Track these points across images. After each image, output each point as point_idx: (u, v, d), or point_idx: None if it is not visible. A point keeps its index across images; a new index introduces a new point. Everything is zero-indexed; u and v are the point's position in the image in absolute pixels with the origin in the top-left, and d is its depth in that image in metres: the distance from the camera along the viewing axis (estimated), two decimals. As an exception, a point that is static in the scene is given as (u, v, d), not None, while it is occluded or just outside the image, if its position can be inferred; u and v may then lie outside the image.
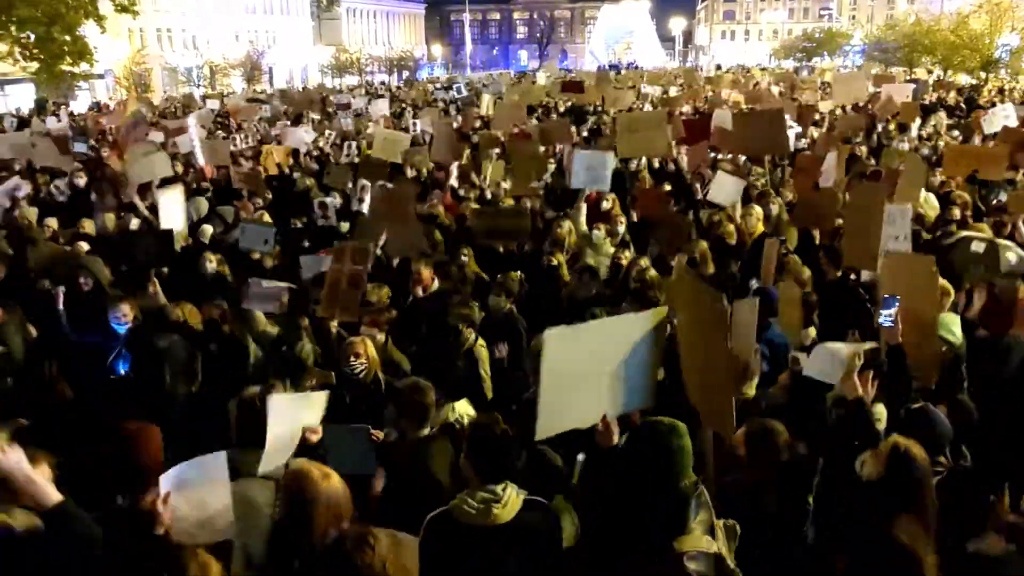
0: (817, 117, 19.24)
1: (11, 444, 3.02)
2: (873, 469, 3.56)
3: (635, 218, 9.64)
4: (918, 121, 17.82)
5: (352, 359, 5.51)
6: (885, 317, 4.47)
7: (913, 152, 10.36)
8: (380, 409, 5.25)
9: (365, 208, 10.05)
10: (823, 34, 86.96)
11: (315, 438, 4.20)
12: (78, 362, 6.68)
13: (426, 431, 4.61)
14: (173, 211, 9.30)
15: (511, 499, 3.51)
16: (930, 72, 51.08)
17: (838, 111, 21.24)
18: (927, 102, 24.49)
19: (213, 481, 3.47)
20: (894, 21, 70.61)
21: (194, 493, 3.42)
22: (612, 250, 8.46)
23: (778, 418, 4.09)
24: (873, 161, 13.07)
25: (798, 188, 10.76)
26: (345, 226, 9.85)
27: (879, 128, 17.35)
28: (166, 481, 3.37)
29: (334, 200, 10.72)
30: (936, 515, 3.44)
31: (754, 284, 7.04)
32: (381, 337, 6.18)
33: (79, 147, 17.38)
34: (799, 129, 16.04)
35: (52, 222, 10.20)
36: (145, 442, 3.63)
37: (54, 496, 3.00)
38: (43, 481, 3.01)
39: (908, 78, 36.15)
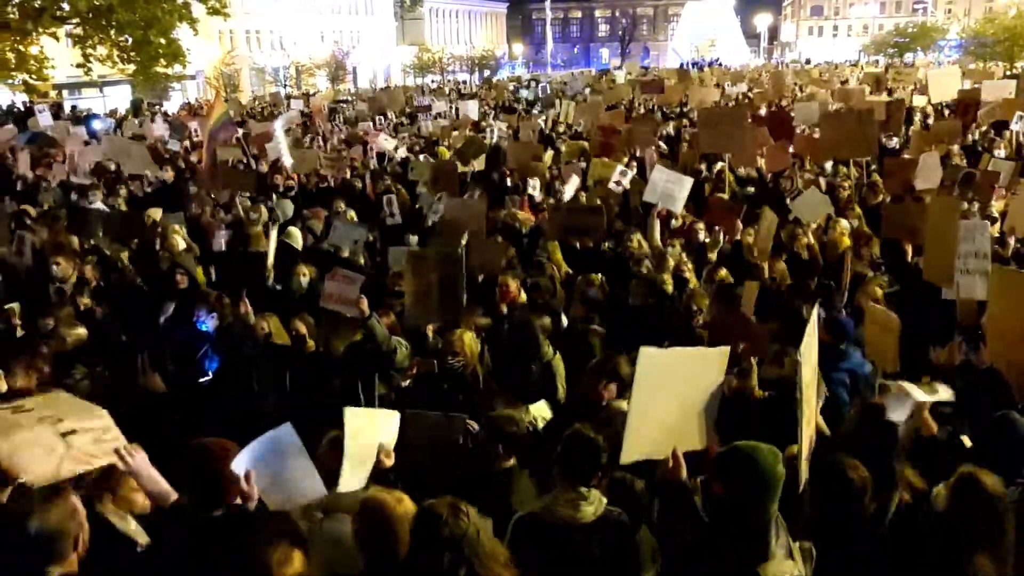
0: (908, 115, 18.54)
1: (136, 448, 3.24)
2: (945, 502, 3.46)
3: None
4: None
5: (450, 358, 5.68)
6: (969, 347, 4.34)
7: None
8: (477, 401, 5.37)
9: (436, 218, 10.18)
10: (916, 28, 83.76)
11: (389, 462, 4.13)
12: (168, 357, 6.93)
13: (512, 462, 4.57)
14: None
15: (597, 500, 3.66)
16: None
17: (930, 109, 20.44)
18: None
19: (287, 450, 3.59)
20: (993, 14, 67.55)
21: (272, 466, 3.54)
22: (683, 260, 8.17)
23: (848, 448, 3.98)
24: (965, 163, 12.54)
25: (889, 193, 10.41)
26: (414, 239, 9.83)
27: (977, 133, 16.56)
28: (241, 462, 3.47)
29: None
30: (1015, 545, 3.30)
31: (821, 313, 6.73)
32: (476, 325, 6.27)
33: (173, 144, 18.12)
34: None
35: (155, 212, 10.65)
36: (226, 457, 3.61)
37: (172, 495, 3.21)
38: (163, 481, 3.22)
39: (1007, 73, 34.59)
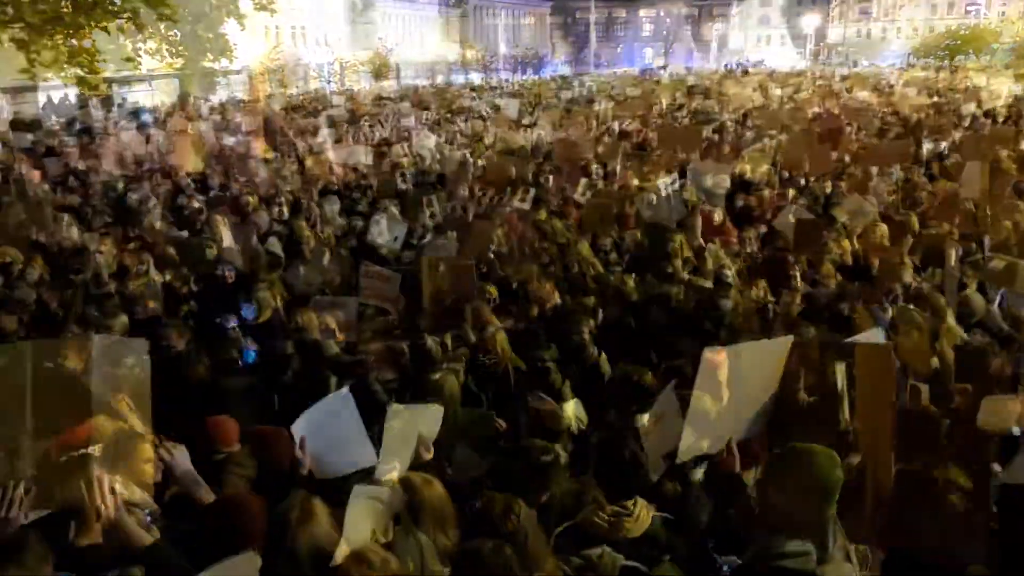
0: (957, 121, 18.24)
1: (177, 446, 3.35)
2: None
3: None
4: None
5: (482, 355, 5.70)
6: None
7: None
8: (507, 399, 5.35)
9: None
10: (968, 32, 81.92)
11: (428, 456, 4.11)
12: (214, 345, 7.05)
13: (552, 456, 4.33)
14: None
15: (641, 514, 3.50)
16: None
17: (979, 112, 20.09)
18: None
19: (342, 416, 3.68)
20: (1050, 18, 65.92)
21: (327, 431, 3.63)
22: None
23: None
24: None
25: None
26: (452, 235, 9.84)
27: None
28: (299, 428, 3.57)
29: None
30: None
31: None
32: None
33: (228, 140, 18.31)
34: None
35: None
36: (275, 444, 3.71)
37: (210, 497, 3.29)
38: (201, 481, 3.31)
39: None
